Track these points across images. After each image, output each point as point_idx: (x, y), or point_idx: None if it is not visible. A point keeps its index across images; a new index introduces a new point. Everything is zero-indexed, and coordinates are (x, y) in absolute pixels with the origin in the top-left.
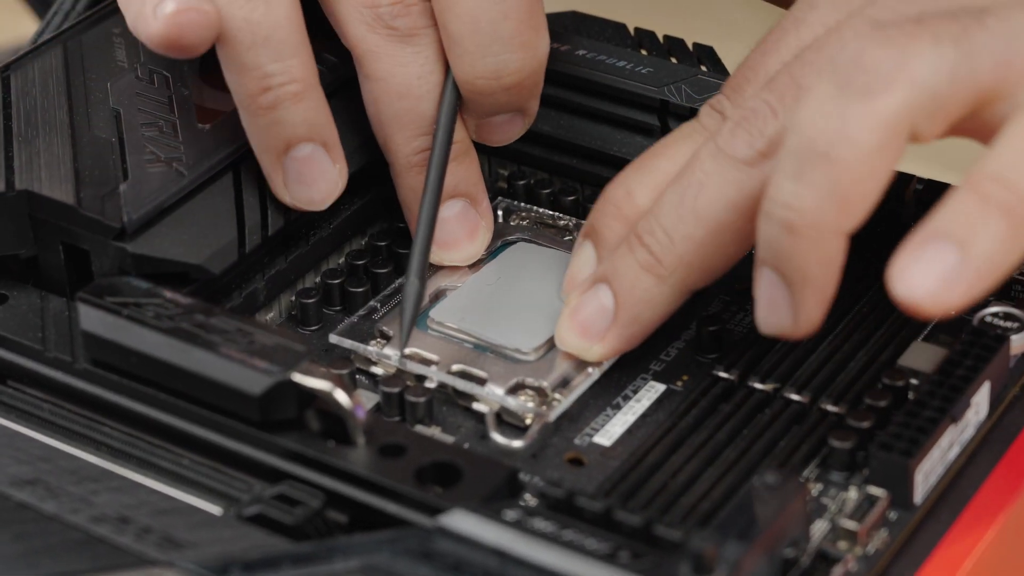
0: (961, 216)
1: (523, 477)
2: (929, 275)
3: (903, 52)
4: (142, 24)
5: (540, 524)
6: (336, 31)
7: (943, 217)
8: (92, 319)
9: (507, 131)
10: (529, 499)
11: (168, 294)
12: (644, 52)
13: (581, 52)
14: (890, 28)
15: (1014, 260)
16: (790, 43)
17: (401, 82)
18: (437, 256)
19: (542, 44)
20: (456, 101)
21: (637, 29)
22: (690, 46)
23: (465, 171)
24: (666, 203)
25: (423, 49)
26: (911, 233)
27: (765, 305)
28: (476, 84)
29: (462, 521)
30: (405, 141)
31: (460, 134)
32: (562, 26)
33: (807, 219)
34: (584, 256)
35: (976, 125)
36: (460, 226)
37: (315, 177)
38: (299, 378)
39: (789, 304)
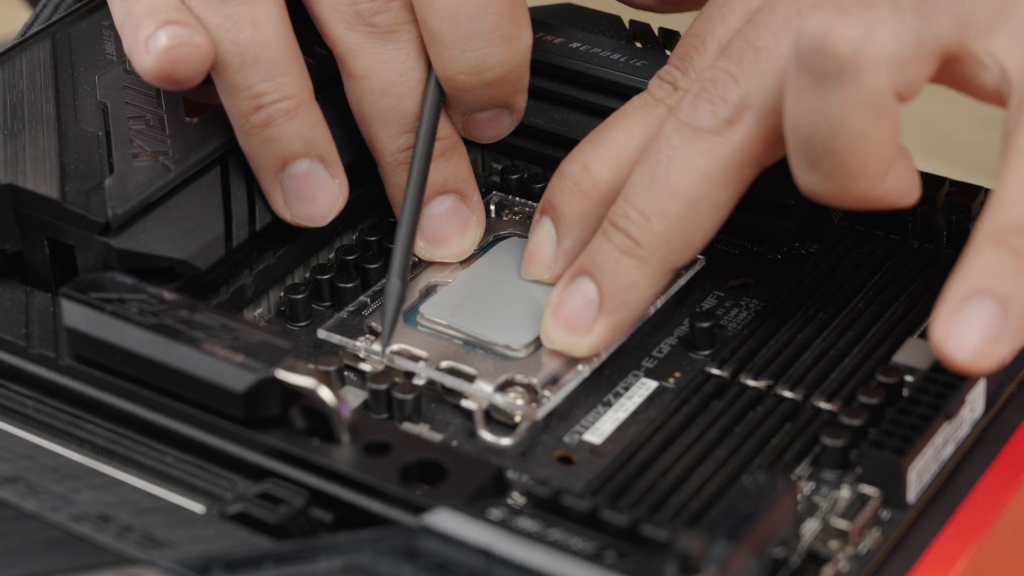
0: (996, 271)
1: (510, 475)
2: (974, 334)
3: (865, 27)
4: (135, 56)
5: (525, 523)
6: (318, 30)
7: (978, 273)
8: (76, 315)
9: (494, 127)
10: (516, 498)
11: (152, 290)
12: (639, 45)
13: (575, 45)
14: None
15: None
16: (735, 8)
17: (383, 79)
18: (428, 252)
19: (524, 38)
20: (439, 97)
21: (632, 22)
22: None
23: (454, 167)
24: (636, 183)
25: (404, 45)
26: (947, 289)
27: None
28: (457, 80)
29: (446, 520)
30: (390, 139)
31: (447, 130)
32: (556, 18)
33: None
34: (543, 232)
35: (949, 77)
36: (450, 222)
37: (314, 193)
38: (283, 375)
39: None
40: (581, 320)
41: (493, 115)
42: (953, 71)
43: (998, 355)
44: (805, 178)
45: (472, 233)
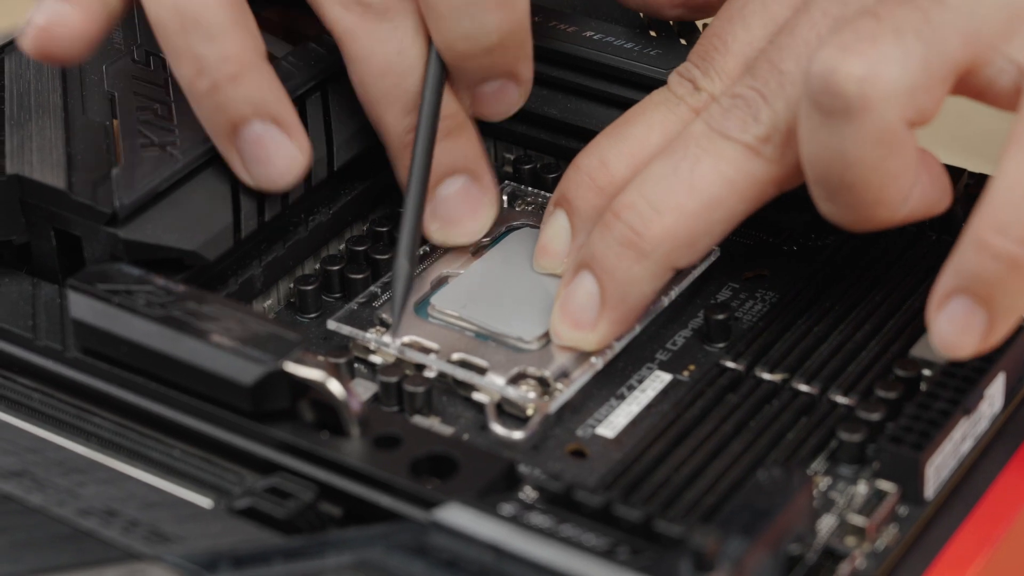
0: (976, 272)
1: (522, 469)
2: (955, 332)
3: (869, 65)
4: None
5: (537, 519)
6: (316, 15)
7: (960, 274)
8: (82, 306)
9: (502, 101)
10: (528, 492)
11: (160, 281)
12: (653, 34)
13: (589, 33)
14: (848, 33)
15: None
16: (755, 10)
17: (382, 60)
18: (441, 235)
19: (520, 1)
20: (441, 73)
21: None
22: (700, 28)
23: (463, 146)
24: (654, 174)
25: (400, 23)
26: (935, 284)
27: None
28: (456, 48)
29: (457, 515)
30: (395, 120)
31: (453, 108)
32: (570, 7)
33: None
34: (557, 225)
35: (966, 89)
36: (462, 203)
37: (269, 155)
38: (291, 367)
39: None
40: (585, 316)
41: (499, 87)
42: (969, 83)
43: (980, 348)
44: (825, 208)
45: (485, 214)
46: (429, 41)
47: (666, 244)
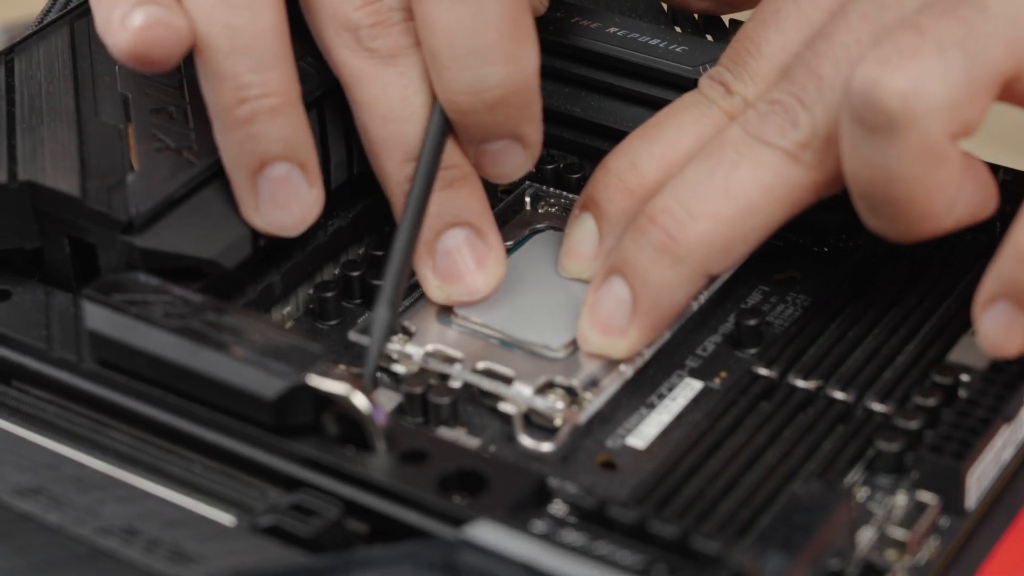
0: (1018, 281)
1: (553, 483)
2: (1001, 332)
3: (912, 80)
4: (109, 34)
5: (570, 536)
6: (324, 57)
7: (1001, 282)
8: (98, 317)
9: (505, 162)
10: (558, 506)
11: (178, 291)
12: (678, 30)
13: (612, 30)
14: (889, 47)
15: None
16: (790, 13)
17: (385, 105)
18: (443, 292)
19: (528, 58)
20: (444, 122)
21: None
22: (726, 23)
23: (467, 198)
24: (689, 179)
25: (406, 70)
26: (981, 283)
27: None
28: (457, 101)
29: (488, 533)
30: (395, 167)
31: (457, 159)
32: (593, 2)
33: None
34: (584, 229)
35: (1011, 96)
36: (466, 256)
37: (289, 199)
38: (315, 381)
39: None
40: (616, 322)
41: (503, 148)
42: (1013, 90)
43: (1016, 350)
44: (870, 221)
45: (491, 270)
46: (434, 96)
47: (701, 250)
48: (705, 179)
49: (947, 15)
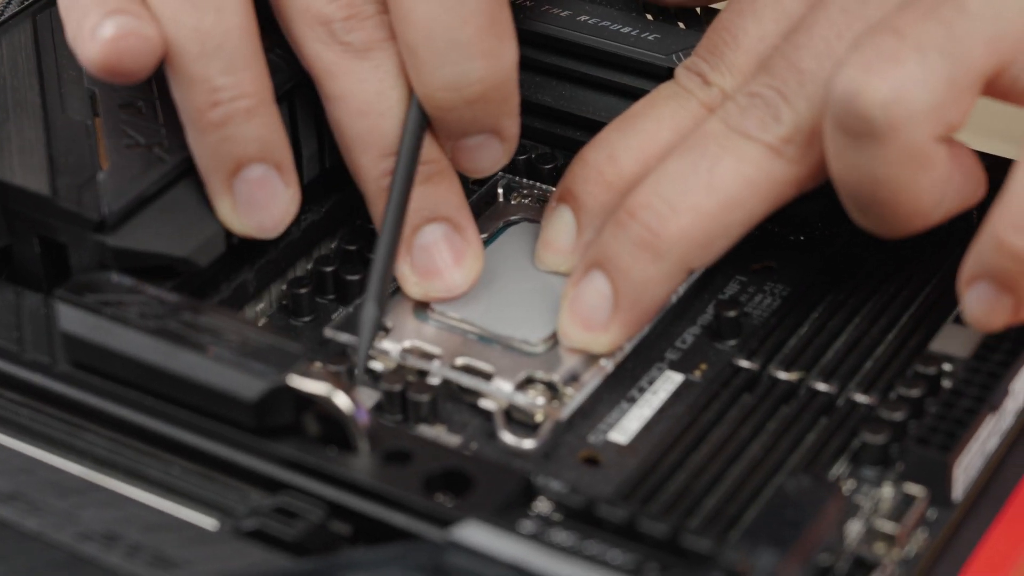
0: (996, 267)
1: (539, 481)
2: (984, 309)
3: (894, 87)
4: (79, 45)
5: (559, 536)
6: (295, 52)
7: (979, 263)
8: (72, 319)
9: (483, 157)
10: (544, 504)
11: (152, 291)
12: (650, 17)
13: (583, 18)
14: (870, 52)
15: None
16: (768, 3)
17: (360, 100)
18: (421, 289)
19: (507, 52)
20: (421, 116)
21: None
22: (698, 11)
23: (444, 193)
24: (669, 174)
25: (381, 63)
26: (963, 263)
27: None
28: (436, 98)
29: (476, 533)
30: (371, 163)
31: (435, 154)
32: None
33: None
34: (561, 221)
35: (993, 91)
36: (444, 252)
37: (267, 200)
38: (295, 381)
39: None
40: (597, 317)
41: (481, 143)
42: (995, 85)
43: (1000, 324)
44: (859, 220)
45: (468, 266)
46: (410, 90)
47: (682, 245)
48: (686, 173)
49: (927, 17)
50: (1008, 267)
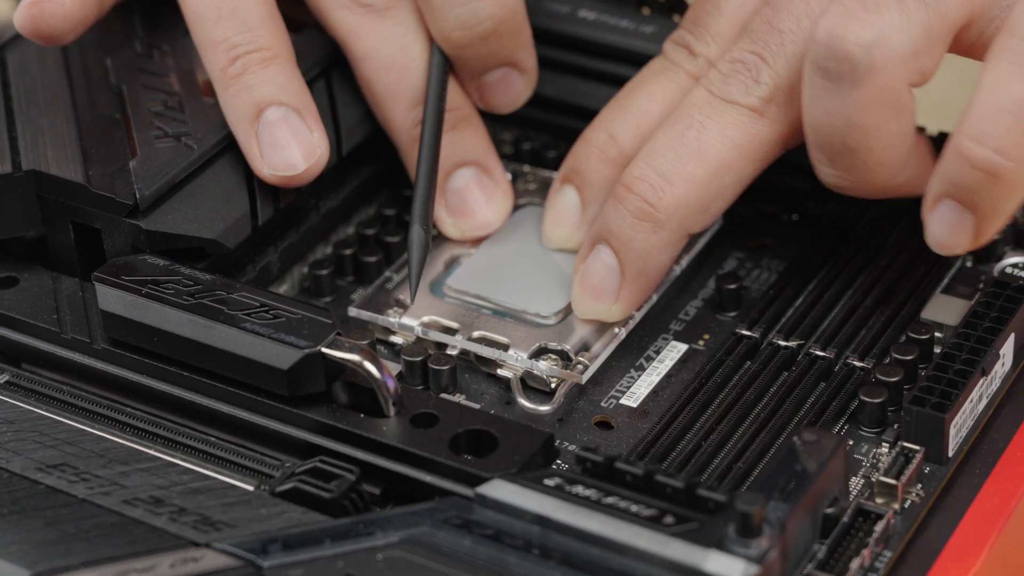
0: (956, 179)
1: (558, 441)
2: (947, 231)
3: (874, 31)
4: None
5: (582, 490)
6: (320, 22)
7: (943, 181)
8: (110, 299)
9: (508, 91)
10: (562, 465)
11: (186, 270)
12: (647, 12)
13: (583, 13)
14: (851, 1)
15: (1014, 205)
16: None
17: (385, 55)
18: (457, 228)
19: None
20: (444, 63)
21: None
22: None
23: (471, 138)
24: (660, 146)
25: (402, 19)
26: (928, 185)
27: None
28: (452, 38)
29: (502, 490)
30: (402, 114)
31: (459, 101)
32: None
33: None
34: (566, 199)
35: (959, 45)
36: (474, 194)
37: (289, 139)
38: (328, 351)
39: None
40: (607, 288)
41: (502, 77)
42: (961, 39)
43: (965, 247)
44: (826, 172)
45: (500, 203)
46: (431, 35)
47: (680, 212)
48: (676, 144)
49: None
50: (969, 179)
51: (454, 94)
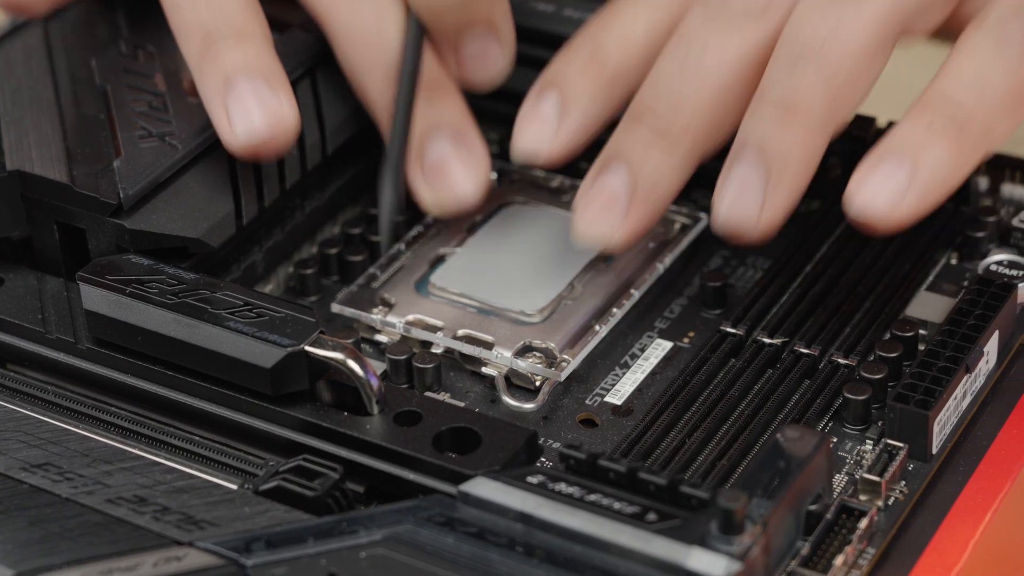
0: (910, 134)
1: (542, 439)
2: (881, 193)
3: None
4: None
5: (565, 488)
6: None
7: (894, 135)
8: (95, 298)
9: (486, 64)
10: (546, 462)
11: (170, 270)
12: None
13: (568, 12)
14: None
15: (960, 177)
16: None
17: (360, 28)
18: (434, 197)
19: None
20: (419, 31)
21: None
22: None
23: (448, 106)
24: (664, 71)
25: None
26: (869, 151)
27: (734, 192)
28: (428, 3)
29: (485, 487)
30: (379, 88)
31: (436, 71)
32: None
33: (799, 108)
34: (547, 104)
35: (953, 25)
36: (449, 161)
37: (254, 106)
38: (312, 349)
39: (761, 192)
40: (614, 209)
41: (480, 47)
42: (957, 15)
43: (898, 217)
44: (782, 77)
45: (476, 171)
46: (407, 7)
47: (692, 132)
48: (680, 65)
49: None
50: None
51: (431, 65)
